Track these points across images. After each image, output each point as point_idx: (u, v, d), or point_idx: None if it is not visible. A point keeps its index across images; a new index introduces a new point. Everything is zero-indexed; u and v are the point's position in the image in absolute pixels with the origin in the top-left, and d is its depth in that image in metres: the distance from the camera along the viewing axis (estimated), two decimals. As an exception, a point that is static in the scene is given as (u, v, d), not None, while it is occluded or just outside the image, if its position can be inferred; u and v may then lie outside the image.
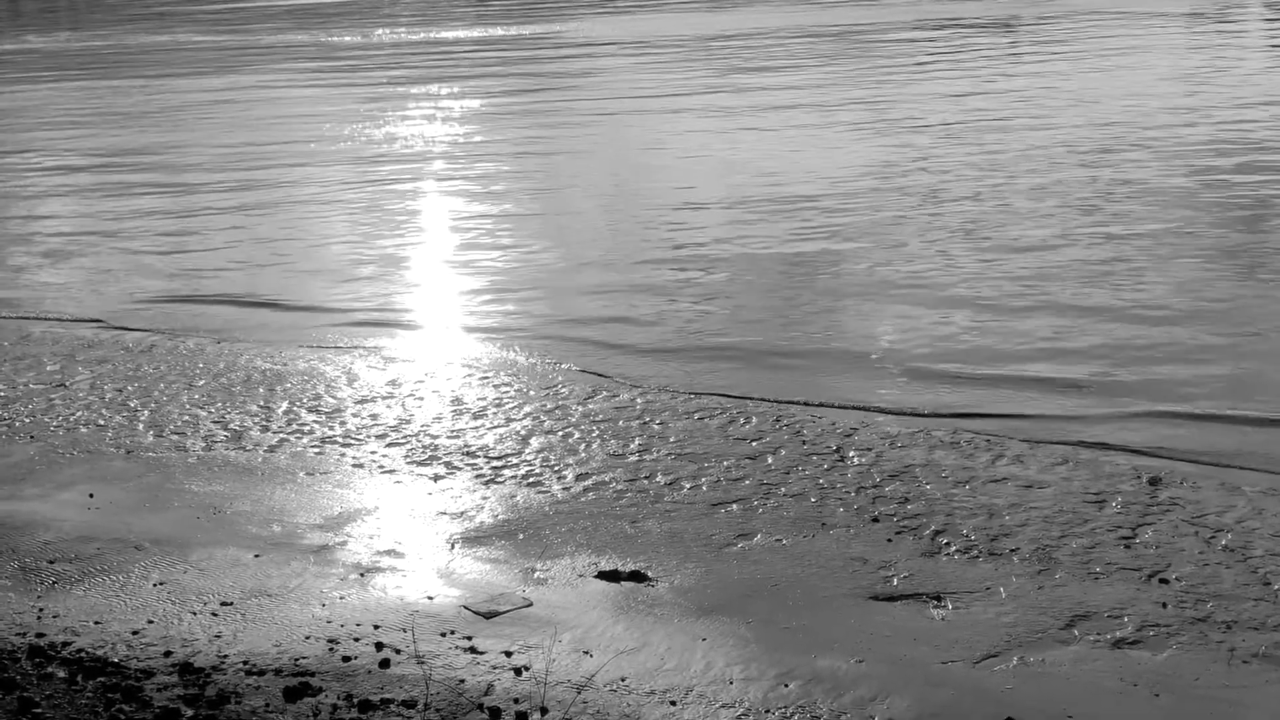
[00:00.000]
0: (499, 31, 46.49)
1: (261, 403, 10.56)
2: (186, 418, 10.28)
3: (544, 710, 5.91)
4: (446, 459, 9.21)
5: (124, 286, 14.91)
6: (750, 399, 10.25)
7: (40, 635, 6.75)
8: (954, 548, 7.53)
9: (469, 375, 11.15)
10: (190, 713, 5.87)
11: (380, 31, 49.64)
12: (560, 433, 9.64)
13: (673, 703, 6.03)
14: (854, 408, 9.96)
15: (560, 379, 10.95)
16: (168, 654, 6.52)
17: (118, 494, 8.79)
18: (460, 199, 18.95)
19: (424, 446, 9.46)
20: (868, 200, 16.89)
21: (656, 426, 9.69)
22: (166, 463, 9.37)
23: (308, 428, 9.95)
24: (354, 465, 9.19)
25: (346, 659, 6.45)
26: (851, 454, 9.00)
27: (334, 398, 10.62)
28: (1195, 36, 34.66)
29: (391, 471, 9.05)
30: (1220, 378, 10.23)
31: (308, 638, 6.70)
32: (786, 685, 6.16)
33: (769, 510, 8.14)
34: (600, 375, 11.02)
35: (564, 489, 8.63)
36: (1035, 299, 12.40)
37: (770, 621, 6.78)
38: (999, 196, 16.65)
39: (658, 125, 24.09)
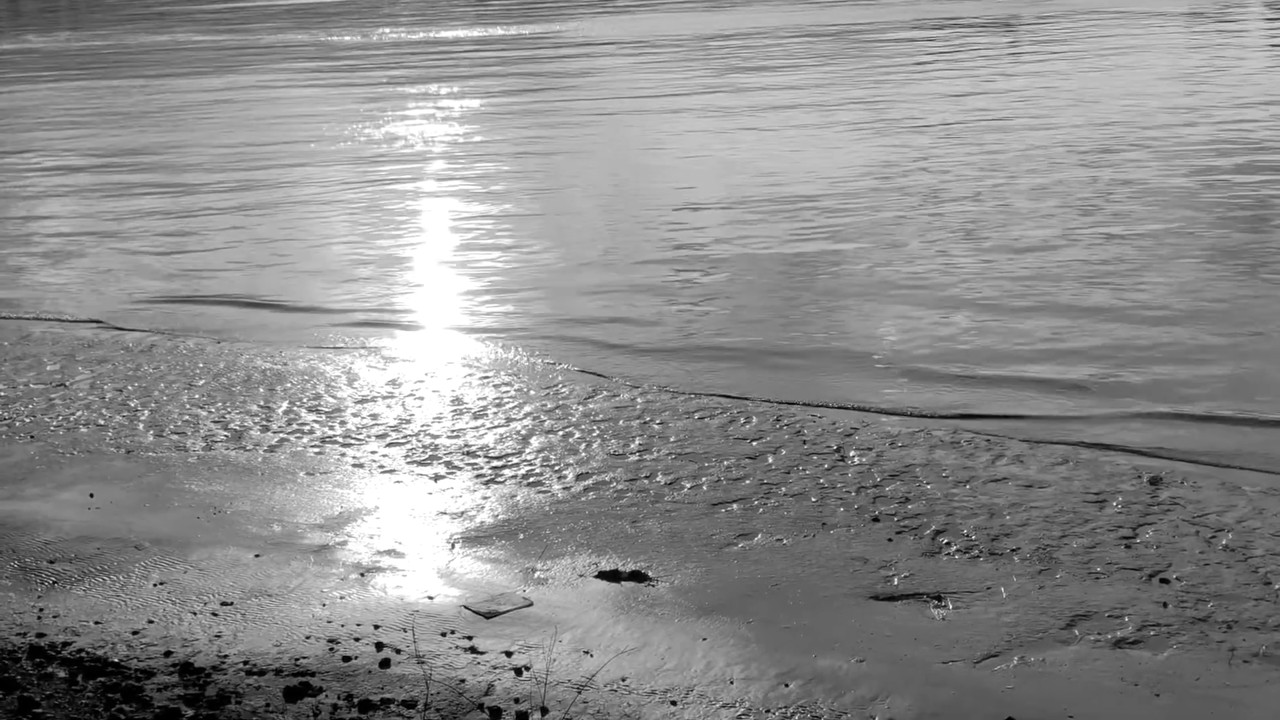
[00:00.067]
0: (499, 31, 46.49)
1: (262, 402, 10.56)
2: (187, 417, 10.28)
3: (544, 710, 5.91)
4: (447, 459, 9.21)
5: (124, 286, 14.91)
6: (750, 399, 10.24)
7: (40, 635, 6.75)
8: (954, 547, 7.52)
9: (469, 375, 11.15)
10: (190, 713, 5.87)
11: (380, 31, 49.63)
12: (560, 432, 9.64)
13: (673, 703, 6.03)
14: (854, 408, 9.96)
15: (560, 379, 10.95)
16: (168, 654, 6.52)
17: (118, 494, 8.79)
18: (460, 199, 18.95)
19: (424, 446, 9.46)
20: (868, 200, 16.89)
21: (657, 426, 9.69)
22: (167, 462, 9.37)
23: (308, 427, 9.95)
24: (354, 465, 9.19)
25: (347, 659, 6.45)
26: (852, 454, 9.00)
27: (334, 397, 10.62)
28: (1195, 36, 34.66)
29: (392, 471, 9.04)
30: (1221, 378, 10.23)
31: (308, 638, 6.70)
32: (787, 685, 6.16)
33: (769, 510, 8.14)
34: (600, 375, 11.02)
35: (564, 489, 8.63)
36: (1035, 299, 12.40)
37: (771, 621, 6.78)
38: (999, 196, 16.65)
39: (657, 125, 24.08)
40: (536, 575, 7.43)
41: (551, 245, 15.79)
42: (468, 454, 9.28)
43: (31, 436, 10.01)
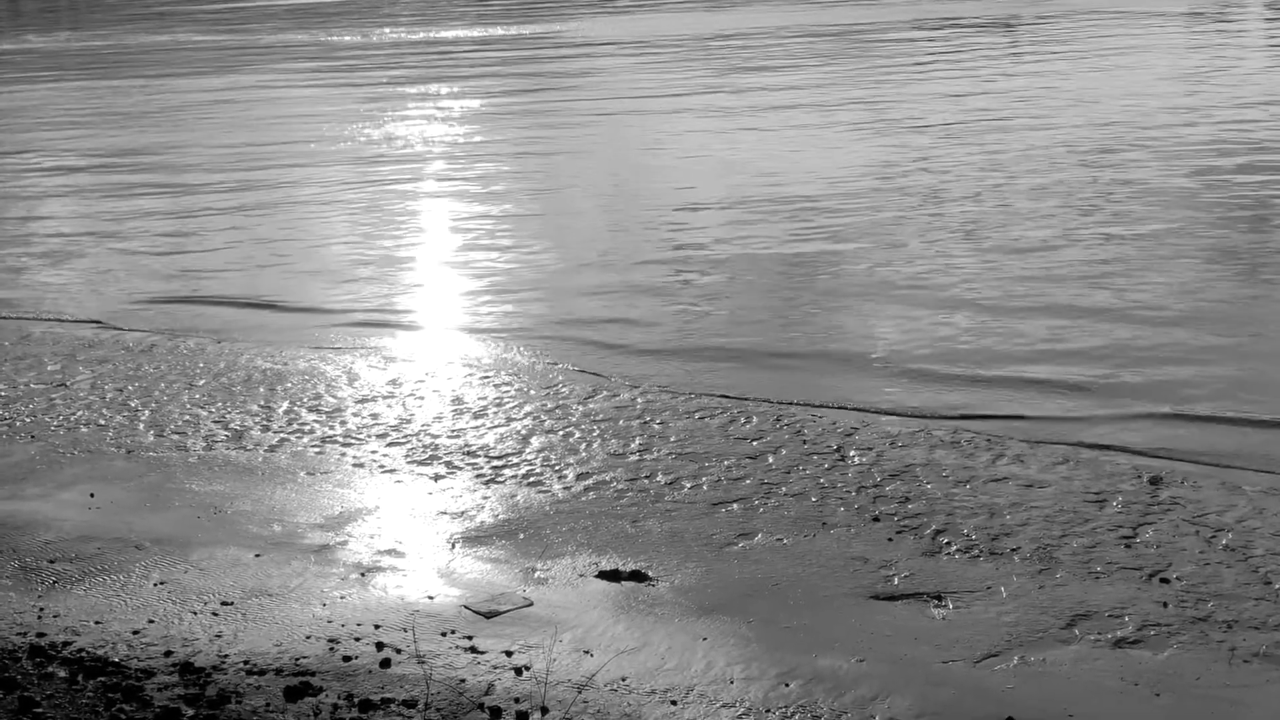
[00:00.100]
0: (499, 31, 46.50)
1: (262, 402, 10.56)
2: (187, 417, 10.28)
3: (545, 710, 5.91)
4: (447, 458, 9.21)
5: (124, 287, 14.91)
6: (750, 399, 10.24)
7: (41, 635, 6.75)
8: (955, 547, 7.53)
9: (469, 375, 11.15)
10: (191, 712, 5.87)
11: (381, 31, 49.64)
12: (561, 432, 9.64)
13: (673, 702, 6.03)
14: (854, 408, 9.96)
15: (560, 379, 10.95)
16: (168, 654, 6.52)
17: (118, 494, 8.79)
18: (460, 199, 18.95)
19: (424, 446, 9.46)
20: (868, 200, 16.89)
21: (657, 426, 9.70)
22: (167, 462, 9.37)
23: (308, 427, 9.95)
24: (354, 465, 9.19)
25: (347, 659, 6.45)
26: (852, 453, 9.00)
27: (334, 397, 10.62)
28: (1195, 36, 34.66)
29: (392, 471, 9.05)
30: (1221, 378, 10.23)
31: (308, 637, 6.70)
32: (787, 685, 6.16)
33: (770, 510, 8.15)
34: (601, 375, 11.02)
35: (564, 488, 8.63)
36: (1035, 299, 12.40)
37: (771, 621, 6.78)
38: (999, 197, 16.65)
39: (657, 125, 24.09)
40: (537, 575, 7.43)
41: (551, 245, 15.79)
42: (468, 454, 9.29)
43: (32, 436, 10.01)
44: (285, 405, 10.47)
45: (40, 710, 5.82)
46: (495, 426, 9.81)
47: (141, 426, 10.12)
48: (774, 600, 7.01)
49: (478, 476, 8.89)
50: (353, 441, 9.62)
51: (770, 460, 8.94)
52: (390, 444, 9.53)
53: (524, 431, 9.68)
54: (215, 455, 9.47)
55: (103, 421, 10.26)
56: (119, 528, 8.18)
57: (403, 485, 8.80)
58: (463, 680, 6.21)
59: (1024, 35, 37.32)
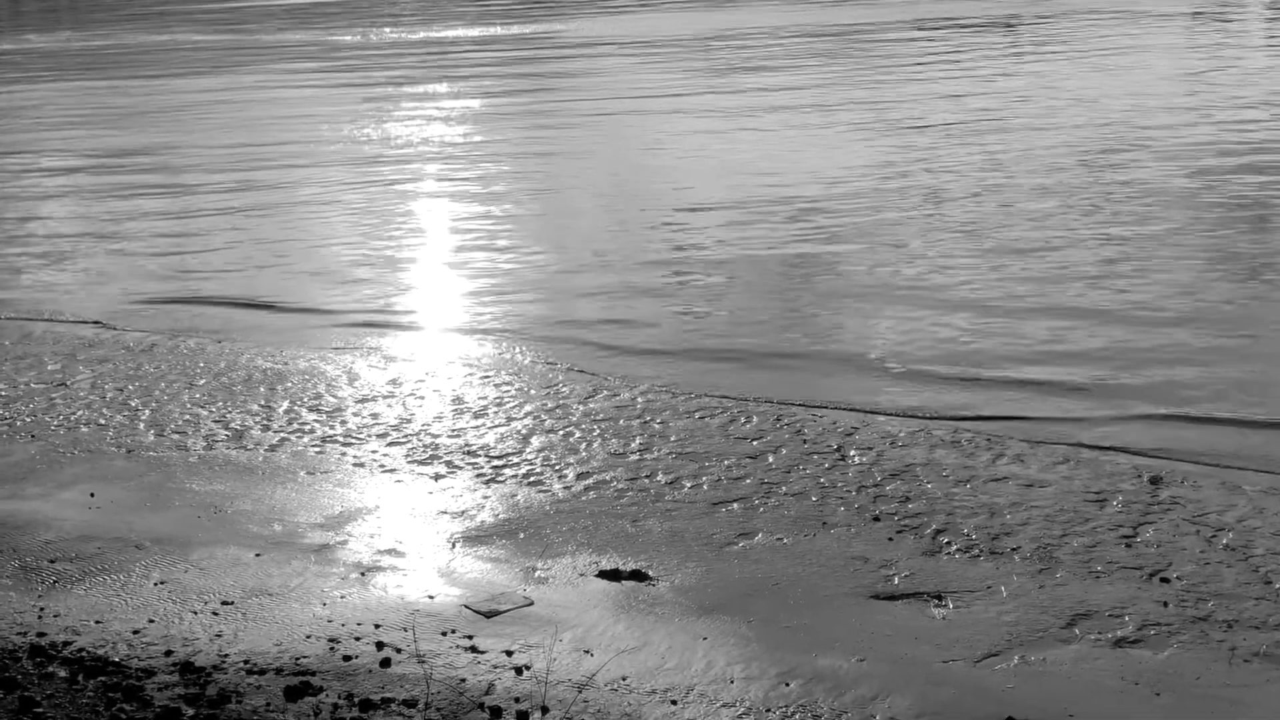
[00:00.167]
0: (499, 31, 46.51)
1: (262, 402, 10.56)
2: (187, 417, 10.29)
3: (545, 709, 5.91)
4: (447, 458, 9.22)
5: (124, 287, 14.91)
6: (751, 399, 10.24)
7: (41, 634, 6.75)
8: (955, 547, 7.53)
9: (469, 375, 11.15)
10: (191, 712, 5.87)
11: (381, 31, 49.63)
12: (561, 432, 9.64)
13: (674, 702, 6.03)
14: (855, 409, 9.96)
15: (561, 378, 10.95)
16: (168, 653, 6.52)
17: (119, 493, 8.79)
18: (460, 200, 18.95)
19: (425, 445, 9.46)
20: (868, 201, 16.89)
21: (657, 426, 9.70)
22: (167, 462, 9.37)
23: (309, 427, 9.95)
24: (355, 464, 9.19)
25: (347, 658, 6.45)
26: (852, 453, 9.00)
27: (335, 397, 10.62)
28: (1195, 36, 34.66)
29: (392, 470, 9.05)
30: (1221, 379, 10.23)
31: (309, 637, 6.70)
32: (788, 684, 6.16)
33: (770, 509, 8.15)
34: (601, 375, 11.02)
35: (565, 488, 8.63)
36: (1036, 300, 12.40)
37: (771, 620, 6.78)
38: (999, 197, 16.65)
39: (657, 125, 24.09)
40: (537, 574, 7.43)
41: (551, 246, 15.80)
42: (468, 453, 9.29)
43: (32, 436, 10.01)
44: (285, 405, 10.47)
45: (40, 710, 5.83)
46: (495, 426, 9.81)
47: (142, 426, 10.12)
48: (774, 600, 7.01)
49: (478, 476, 8.89)
50: (353, 441, 9.62)
51: (770, 460, 8.94)
52: (390, 443, 9.53)
53: (524, 431, 9.68)
54: (215, 455, 9.47)
55: (103, 421, 10.26)
56: (119, 527, 8.18)
57: (403, 485, 8.80)
58: (463, 680, 6.22)
59: (1024, 35, 37.31)
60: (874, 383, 10.52)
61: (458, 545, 7.86)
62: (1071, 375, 10.42)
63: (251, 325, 13.09)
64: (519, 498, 8.51)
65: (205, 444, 9.69)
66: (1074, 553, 7.37)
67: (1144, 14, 39.57)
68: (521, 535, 7.95)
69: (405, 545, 7.86)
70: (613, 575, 7.36)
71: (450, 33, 47.17)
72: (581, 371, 11.15)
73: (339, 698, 6.03)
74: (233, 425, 10.05)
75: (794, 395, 10.28)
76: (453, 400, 10.46)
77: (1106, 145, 19.60)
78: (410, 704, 5.97)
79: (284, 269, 15.34)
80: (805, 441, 9.26)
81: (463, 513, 8.31)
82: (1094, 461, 8.73)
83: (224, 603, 7.11)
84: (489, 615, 6.92)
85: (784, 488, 8.46)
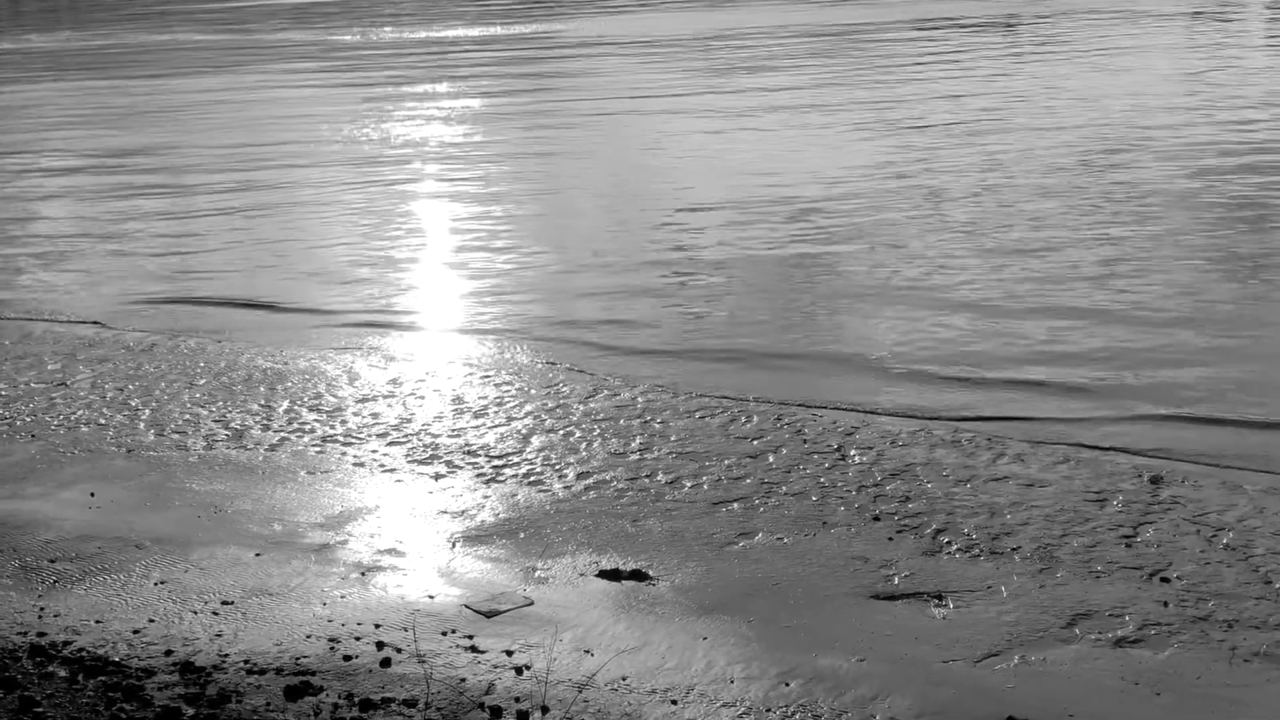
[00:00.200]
0: (499, 30, 46.51)
1: (262, 402, 10.56)
2: (187, 417, 10.28)
3: (545, 709, 5.91)
4: (447, 458, 9.21)
5: (124, 287, 14.91)
6: (750, 399, 10.24)
7: (41, 634, 6.75)
8: (955, 546, 7.53)
9: (470, 374, 11.15)
10: (191, 712, 5.87)
11: (381, 30, 49.63)
12: (561, 431, 9.64)
13: (674, 702, 6.03)
14: (855, 409, 9.96)
15: (561, 378, 10.95)
16: (169, 653, 6.52)
17: (119, 493, 8.79)
18: (460, 200, 18.95)
19: (425, 445, 9.46)
20: (868, 201, 16.88)
21: (657, 425, 9.70)
22: (167, 462, 9.37)
23: (309, 426, 9.95)
24: (355, 464, 9.19)
25: (347, 658, 6.45)
26: (853, 453, 9.00)
27: (335, 397, 10.62)
28: (1195, 36, 34.66)
29: (392, 470, 9.05)
30: (1222, 379, 10.23)
31: (309, 637, 6.70)
32: (788, 684, 6.16)
33: (770, 509, 8.15)
34: (601, 375, 11.02)
35: (565, 488, 8.63)
36: (1036, 301, 12.40)
37: (771, 620, 6.78)
38: (1000, 197, 16.65)
39: (657, 125, 24.08)
40: (537, 574, 7.43)
41: (551, 246, 15.79)
42: (468, 453, 9.29)
43: (32, 435, 10.01)
44: (285, 404, 10.47)
45: (41, 710, 5.82)
46: (496, 426, 9.81)
47: (142, 426, 10.12)
48: (774, 599, 7.01)
49: (478, 476, 8.89)
50: (353, 441, 9.62)
51: (771, 459, 8.94)
52: (391, 443, 9.53)
53: (524, 431, 9.68)
54: (215, 454, 9.47)
55: (103, 421, 10.26)
56: (119, 527, 8.18)
57: (403, 484, 8.80)
58: (463, 679, 6.22)
59: (1024, 35, 37.31)
60: (874, 383, 10.52)
61: (458, 545, 7.86)
62: (1072, 375, 10.42)
63: (251, 325, 13.09)
64: (519, 497, 8.51)
65: (205, 444, 9.69)
66: (1074, 552, 7.37)
67: (1144, 14, 39.57)
68: (522, 535, 7.95)
69: (405, 545, 7.86)
70: (613, 575, 7.36)
71: (450, 33, 47.17)
72: (581, 371, 11.15)
73: (339, 697, 6.03)
74: (233, 425, 10.05)
75: (794, 395, 10.28)
76: (453, 400, 10.46)
77: (1107, 145, 19.60)
78: (410, 704, 5.97)
79: (284, 269, 15.34)
80: (805, 441, 9.26)
81: (463, 512, 8.31)
82: (1094, 461, 8.73)
83: (224, 602, 7.11)
84: (489, 615, 6.92)
85: (784, 487, 8.46)
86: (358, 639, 6.65)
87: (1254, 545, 7.38)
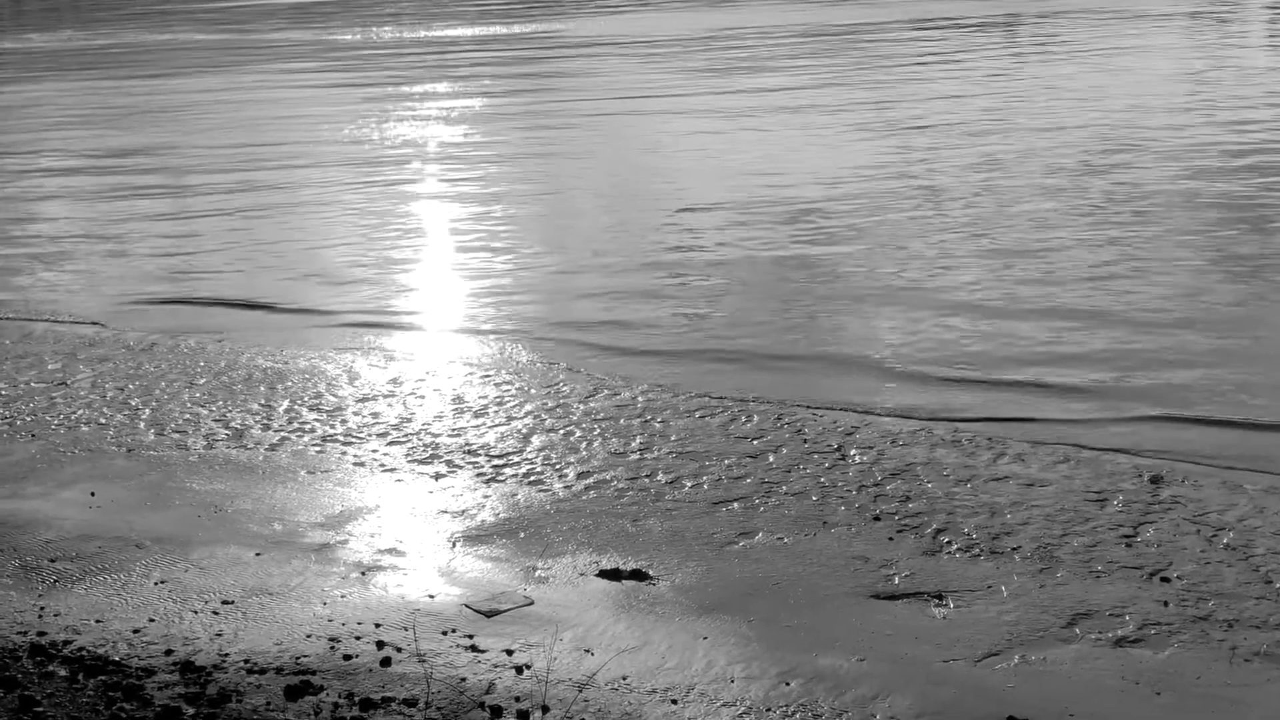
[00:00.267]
0: (499, 30, 46.51)
1: (262, 401, 10.56)
2: (188, 416, 10.28)
3: (545, 709, 5.91)
4: (448, 457, 9.22)
5: (124, 287, 14.91)
6: (750, 399, 10.24)
7: (41, 634, 6.75)
8: (955, 546, 7.53)
9: (470, 374, 11.15)
10: (191, 711, 5.87)
11: (381, 30, 49.63)
12: (561, 431, 9.64)
13: (674, 701, 6.03)
14: (855, 410, 9.96)
15: (561, 378, 10.95)
16: (169, 652, 6.52)
17: (119, 492, 8.79)
18: (460, 200, 18.94)
19: (425, 445, 9.46)
20: (868, 201, 16.88)
21: (658, 425, 9.70)
22: (168, 461, 9.37)
23: (309, 426, 9.95)
24: (355, 464, 9.19)
25: (348, 657, 6.45)
26: (853, 452, 9.00)
27: (335, 396, 10.62)
28: (1196, 36, 34.67)
29: (393, 470, 9.05)
30: (1222, 380, 10.22)
31: (309, 636, 6.70)
32: (788, 684, 6.16)
33: (770, 509, 8.15)
34: (601, 375, 11.02)
35: (565, 487, 8.63)
36: (1037, 301, 12.39)
37: (772, 620, 6.78)
38: (1000, 198, 16.65)
39: (657, 125, 24.09)
40: (537, 574, 7.43)
41: (552, 246, 15.79)
42: (469, 452, 9.29)
43: (33, 435, 10.01)
44: (286, 404, 10.47)
45: (41, 709, 5.83)
46: (496, 425, 9.81)
47: (142, 425, 10.12)
48: (774, 599, 7.01)
49: (478, 475, 8.89)
50: (353, 440, 9.62)
51: (771, 459, 8.94)
52: (391, 443, 9.53)
53: (525, 430, 9.68)
54: (216, 454, 9.47)
55: (103, 420, 10.26)
56: (119, 526, 8.18)
57: (403, 484, 8.80)
58: (463, 679, 6.22)
59: (1024, 35, 37.32)
60: (874, 383, 10.52)
61: (458, 544, 7.86)
62: (1072, 376, 10.42)
63: (251, 325, 13.09)
64: (519, 497, 8.51)
65: (205, 443, 9.69)
66: (1074, 552, 7.37)
67: (1144, 14, 39.57)
68: (522, 534, 7.95)
69: (405, 544, 7.87)
70: (613, 575, 7.36)
71: (450, 32, 47.17)
72: (581, 371, 11.15)
73: (339, 697, 6.03)
74: (233, 424, 10.05)
75: (794, 395, 10.28)
76: (453, 400, 10.46)
77: (1107, 145, 19.60)
78: (411, 703, 5.97)
79: (284, 269, 15.34)
80: (806, 441, 9.26)
81: (463, 512, 8.31)
82: (1094, 461, 8.73)
83: (224, 602, 7.11)
84: (489, 614, 6.92)
85: (784, 487, 8.46)
86: (358, 638, 6.65)
87: (1254, 545, 7.38)
